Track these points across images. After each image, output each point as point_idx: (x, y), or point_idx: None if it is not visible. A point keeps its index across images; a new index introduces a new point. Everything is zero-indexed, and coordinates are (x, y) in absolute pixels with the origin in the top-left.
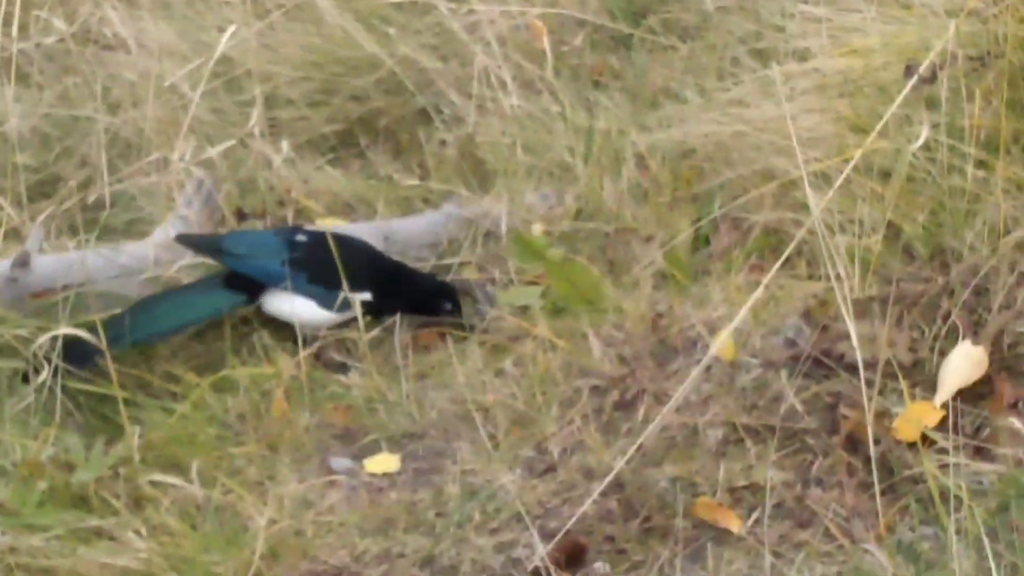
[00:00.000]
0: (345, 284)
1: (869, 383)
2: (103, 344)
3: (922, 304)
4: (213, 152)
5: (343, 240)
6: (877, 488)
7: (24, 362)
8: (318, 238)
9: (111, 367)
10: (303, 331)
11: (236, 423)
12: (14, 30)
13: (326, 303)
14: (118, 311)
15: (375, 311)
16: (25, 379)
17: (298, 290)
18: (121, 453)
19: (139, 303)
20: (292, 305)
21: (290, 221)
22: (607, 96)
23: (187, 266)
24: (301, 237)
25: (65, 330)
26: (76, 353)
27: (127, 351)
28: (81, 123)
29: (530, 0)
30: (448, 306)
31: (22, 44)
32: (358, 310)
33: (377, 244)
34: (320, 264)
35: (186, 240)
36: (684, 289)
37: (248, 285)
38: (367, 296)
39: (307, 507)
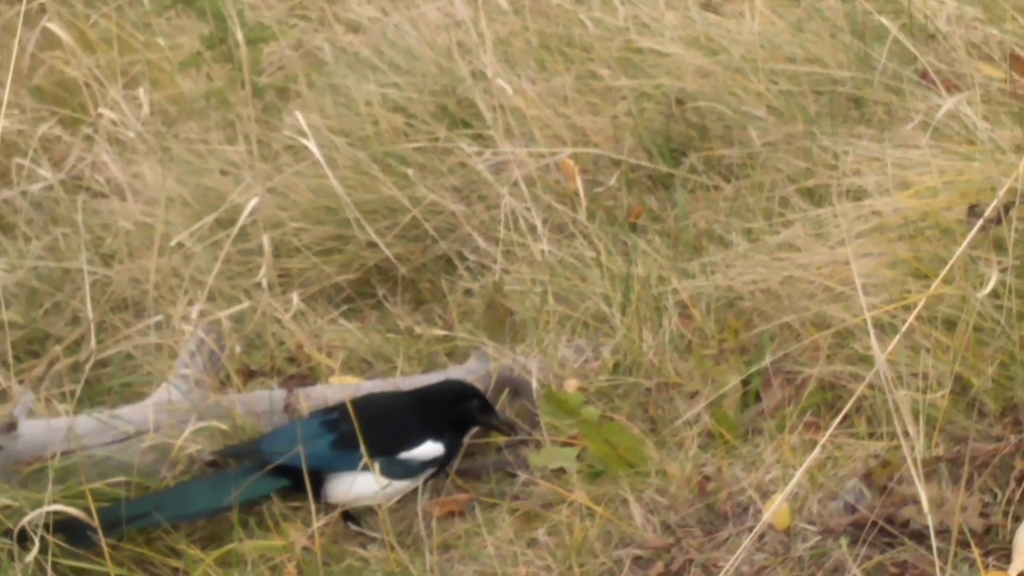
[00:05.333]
0: (410, 446)
1: (939, 552)
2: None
3: (993, 465)
4: (222, 315)
5: (384, 398)
6: None
7: (9, 538)
8: (357, 405)
9: (104, 544)
10: (377, 507)
11: None
12: None
13: (394, 472)
14: (146, 493)
15: (445, 461)
16: (11, 556)
17: (360, 468)
18: None
19: (172, 488)
20: (358, 484)
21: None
22: (646, 240)
23: (195, 432)
24: (335, 414)
25: (56, 507)
26: (75, 531)
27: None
28: (72, 276)
29: (560, 138)
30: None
31: (6, 193)
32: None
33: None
34: (375, 431)
35: (225, 453)
36: (733, 450)
37: (290, 470)
38: (440, 450)
39: None
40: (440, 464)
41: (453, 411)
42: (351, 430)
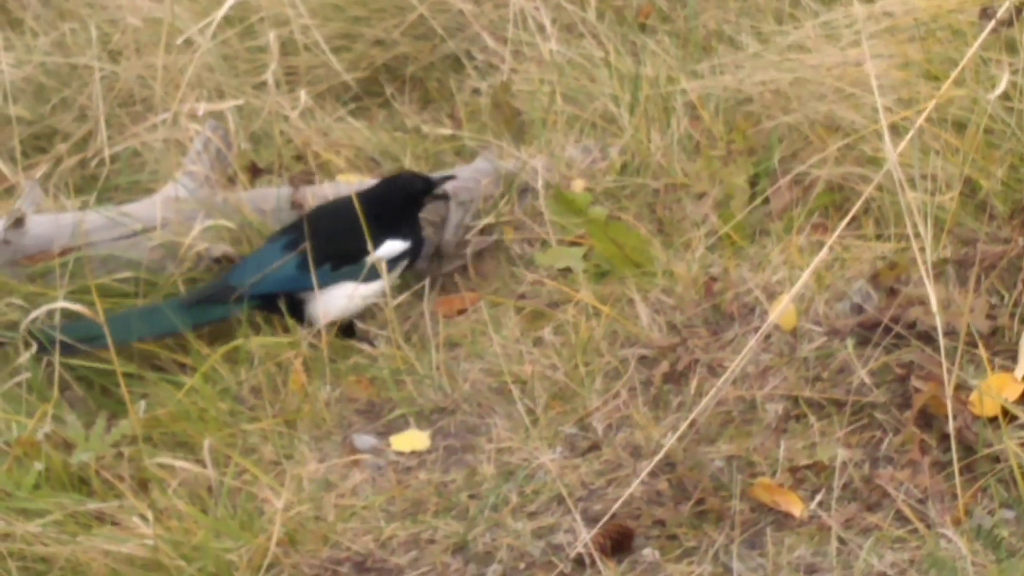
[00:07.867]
0: (373, 246)
1: (946, 353)
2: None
3: (1001, 267)
4: (224, 106)
5: (336, 207)
6: (955, 467)
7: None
8: (312, 220)
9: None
10: (358, 314)
11: (250, 397)
12: None
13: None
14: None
15: (414, 253)
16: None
17: (330, 281)
18: (124, 431)
19: (148, 308)
20: (334, 299)
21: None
22: (655, 40)
23: (203, 229)
24: (294, 235)
25: (62, 304)
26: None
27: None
28: (79, 72)
29: None
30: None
31: None
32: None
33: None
34: (336, 242)
35: (198, 299)
36: (740, 251)
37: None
38: (405, 244)
39: (328, 489)
40: (411, 256)
41: (402, 201)
42: (313, 247)
